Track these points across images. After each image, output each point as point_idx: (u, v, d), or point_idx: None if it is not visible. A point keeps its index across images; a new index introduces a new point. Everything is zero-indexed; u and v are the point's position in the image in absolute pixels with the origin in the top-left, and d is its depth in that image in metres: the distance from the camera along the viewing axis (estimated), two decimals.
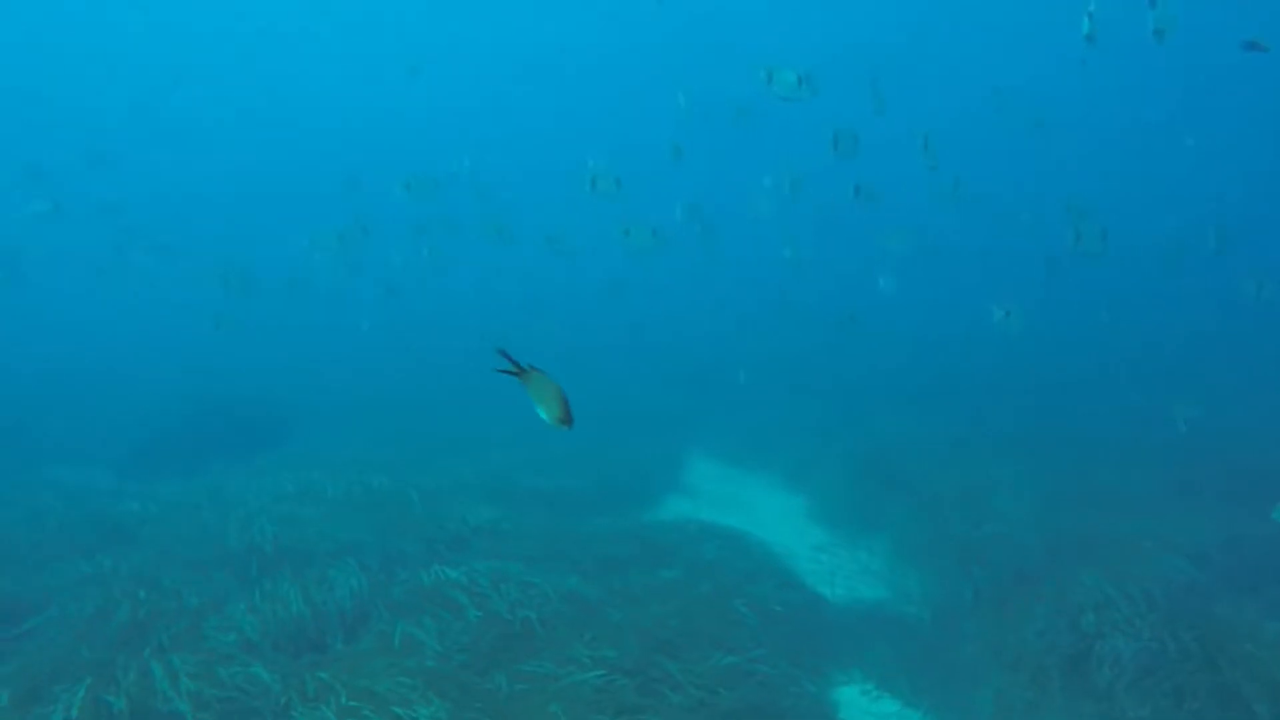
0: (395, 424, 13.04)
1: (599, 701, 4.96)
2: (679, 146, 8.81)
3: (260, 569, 6.89)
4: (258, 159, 33.94)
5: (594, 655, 5.36)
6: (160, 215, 22.08)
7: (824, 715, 5.60)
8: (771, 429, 12.84)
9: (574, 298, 19.23)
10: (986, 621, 6.01)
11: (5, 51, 32.55)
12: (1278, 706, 4.63)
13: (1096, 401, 12.65)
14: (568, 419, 3.47)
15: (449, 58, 37.13)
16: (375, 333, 16.72)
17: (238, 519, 7.96)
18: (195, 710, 4.57)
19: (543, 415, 3.50)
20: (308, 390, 15.10)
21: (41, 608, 5.97)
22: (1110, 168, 27.76)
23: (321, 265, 14.84)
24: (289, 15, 37.51)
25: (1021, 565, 6.61)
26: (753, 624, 6.29)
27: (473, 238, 12.84)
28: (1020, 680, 5.10)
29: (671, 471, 11.63)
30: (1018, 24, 29.44)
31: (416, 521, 8.25)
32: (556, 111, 37.78)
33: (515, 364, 3.47)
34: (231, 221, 25.95)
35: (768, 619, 6.47)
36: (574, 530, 8.43)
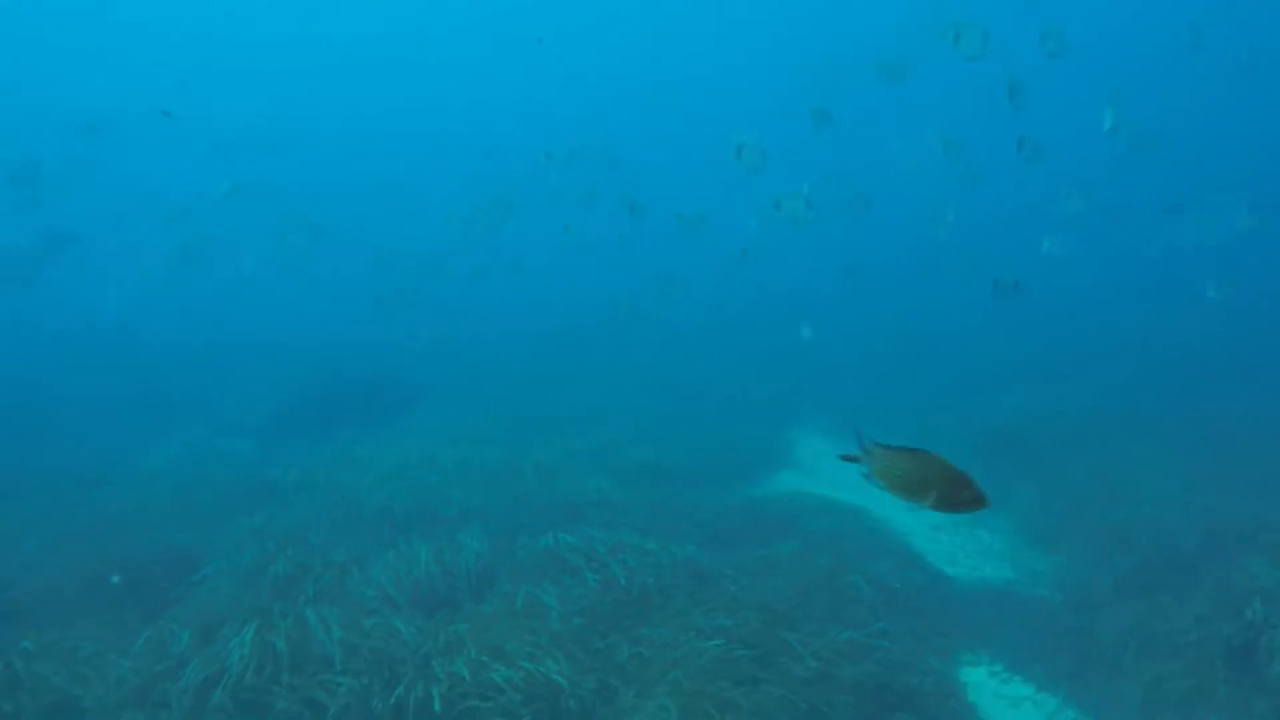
0: (510, 396, 13.50)
1: (718, 670, 4.99)
2: (825, 111, 8.32)
3: (393, 530, 7.35)
4: (396, 148, 36.00)
5: (712, 624, 5.40)
6: (314, 198, 23.49)
7: (950, 694, 5.41)
8: (889, 405, 12.44)
9: (700, 269, 18.91)
10: (1132, 607, 5.61)
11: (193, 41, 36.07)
12: None
13: (1257, 379, 11.48)
14: (968, 498, 2.58)
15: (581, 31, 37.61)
16: (496, 308, 17.24)
17: (370, 484, 8.51)
18: (345, 656, 4.94)
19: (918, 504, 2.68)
20: (429, 364, 15.83)
21: (210, 559, 6.63)
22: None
23: (458, 243, 15.37)
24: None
25: (1170, 549, 6.13)
26: (872, 599, 6.16)
27: (605, 211, 12.87)
28: (1175, 670, 4.74)
29: (782, 446, 11.48)
30: None
31: (531, 490, 8.55)
32: (689, 83, 37.56)
33: (860, 449, 2.73)
34: (375, 204, 27.45)
35: (887, 595, 6.32)
36: (685, 502, 8.49)
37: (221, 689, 4.59)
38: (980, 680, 5.70)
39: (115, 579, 6.10)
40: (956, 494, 2.67)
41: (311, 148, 30.81)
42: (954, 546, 8.21)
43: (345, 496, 8.29)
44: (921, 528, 8.67)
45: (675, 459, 9.99)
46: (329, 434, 11.95)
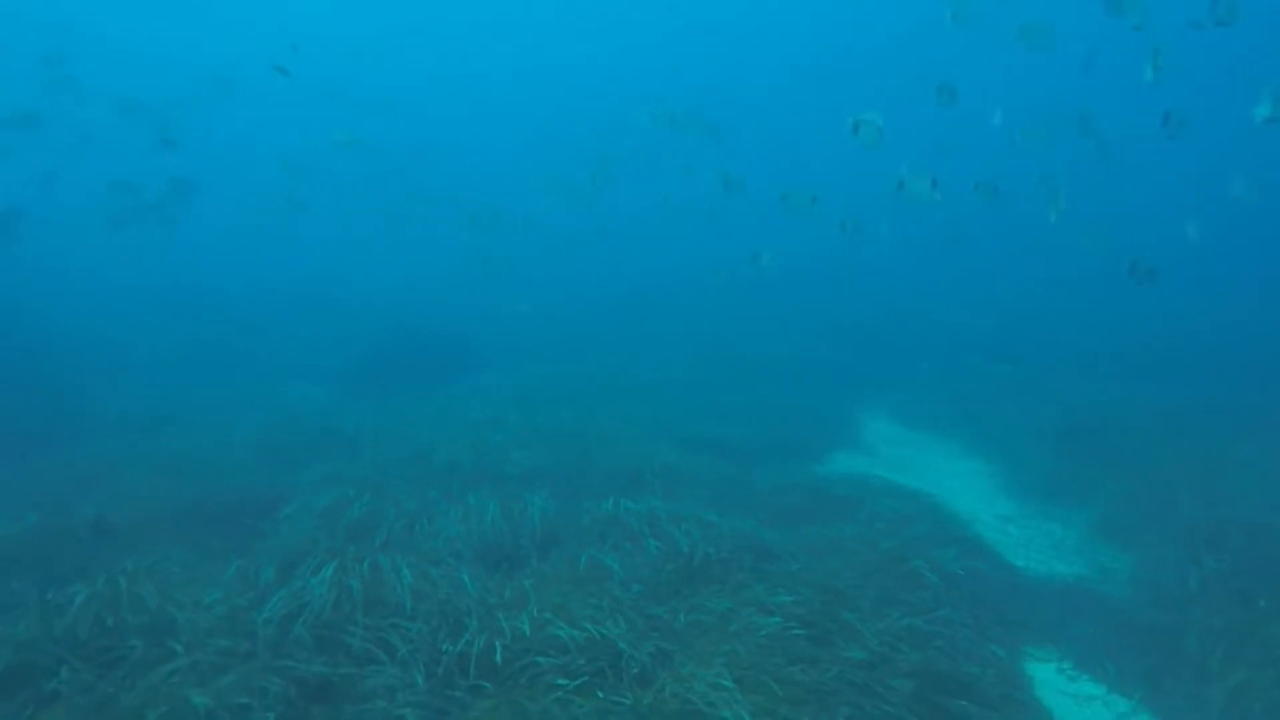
0: (578, 361, 13.65)
1: (776, 646, 4.98)
2: (950, 86, 7.88)
3: (462, 485, 7.57)
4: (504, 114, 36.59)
5: (773, 600, 5.38)
6: (415, 156, 23.92)
7: (1014, 687, 5.28)
8: (963, 387, 12.07)
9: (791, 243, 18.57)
10: (1220, 612, 5.33)
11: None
12: None
13: None
14: None
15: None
16: (575, 273, 17.30)
17: (440, 440, 8.77)
18: (415, 602, 5.14)
19: None
20: (501, 326, 16.11)
21: (291, 499, 6.98)
22: None
23: (547, 208, 15.46)
24: None
25: (1270, 554, 5.77)
26: (935, 586, 6.03)
27: (702, 181, 12.72)
28: (1267, 678, 4.49)
29: (848, 427, 11.30)
30: None
31: (595, 456, 8.65)
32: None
33: None
34: (473, 166, 27.93)
35: (951, 583, 6.17)
36: (747, 477, 8.46)
37: (302, 623, 4.85)
38: (1047, 676, 5.54)
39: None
40: None
41: (414, 109, 31.40)
42: (1024, 539, 7.96)
43: (416, 450, 8.57)
44: (989, 518, 8.43)
45: (739, 433, 9.95)
46: (400, 388, 12.30)
